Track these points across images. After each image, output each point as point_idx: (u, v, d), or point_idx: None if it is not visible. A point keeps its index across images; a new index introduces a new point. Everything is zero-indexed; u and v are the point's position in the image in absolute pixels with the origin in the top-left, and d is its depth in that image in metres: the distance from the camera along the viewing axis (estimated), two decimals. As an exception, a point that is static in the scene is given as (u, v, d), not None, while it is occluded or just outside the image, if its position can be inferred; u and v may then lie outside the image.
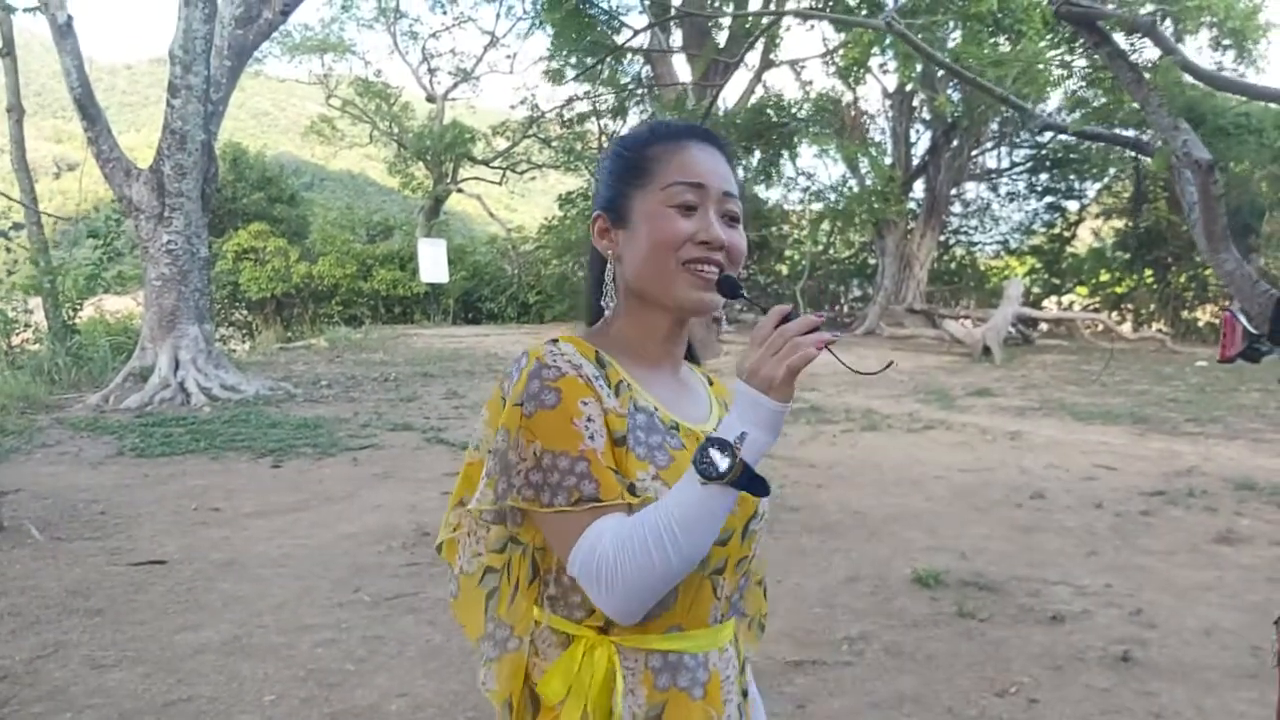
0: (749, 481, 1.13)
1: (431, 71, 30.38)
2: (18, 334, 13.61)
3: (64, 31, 11.33)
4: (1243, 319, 2.48)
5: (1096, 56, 13.12)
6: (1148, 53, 11.86)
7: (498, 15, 32.72)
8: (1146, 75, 7.48)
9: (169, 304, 11.47)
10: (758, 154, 22.65)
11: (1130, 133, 14.64)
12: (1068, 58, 17.97)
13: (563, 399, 1.22)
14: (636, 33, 21.29)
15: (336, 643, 4.21)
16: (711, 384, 1.52)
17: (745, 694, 1.43)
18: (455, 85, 30.64)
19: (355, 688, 3.75)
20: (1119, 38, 8.88)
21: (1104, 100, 18.71)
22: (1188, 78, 7.77)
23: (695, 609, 1.29)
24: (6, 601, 4.70)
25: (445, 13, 43.13)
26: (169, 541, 5.75)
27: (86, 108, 11.51)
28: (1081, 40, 12.71)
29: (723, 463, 1.11)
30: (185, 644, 4.18)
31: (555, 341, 1.29)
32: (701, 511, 1.13)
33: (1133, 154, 21.91)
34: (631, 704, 1.25)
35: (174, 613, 4.57)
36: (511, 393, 1.25)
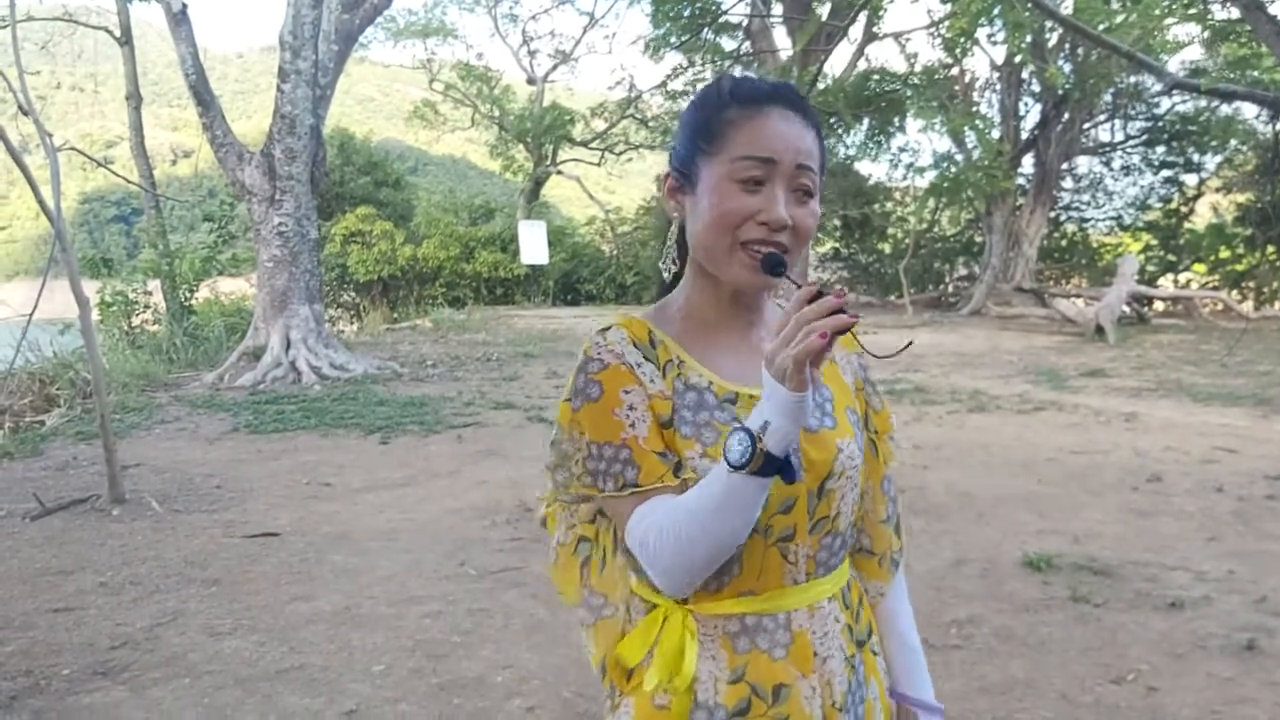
0: (776, 468, 1.12)
1: (531, 54, 30.67)
2: (138, 315, 14.13)
3: (179, 20, 11.67)
4: None
5: (1229, 12, 12.53)
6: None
7: (596, -5, 32.61)
8: None
9: (280, 285, 11.78)
10: (866, 122, 22.25)
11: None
12: (1189, 20, 17.18)
13: (604, 391, 1.27)
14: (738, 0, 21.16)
15: (443, 615, 4.27)
16: None
17: (860, 644, 1.42)
18: (555, 67, 30.87)
19: (462, 659, 3.81)
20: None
21: (1223, 68, 17.90)
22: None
23: (765, 575, 1.30)
24: (129, 571, 4.89)
25: (545, -7, 43.34)
26: (282, 515, 5.91)
27: (201, 94, 11.85)
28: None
29: (744, 453, 1.11)
30: (298, 613, 4.29)
31: (605, 330, 1.32)
32: (731, 498, 1.14)
33: (1262, 123, 21.01)
34: (713, 668, 1.29)
35: (287, 583, 4.70)
36: (566, 388, 1.31)
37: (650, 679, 1.28)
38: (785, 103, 1.30)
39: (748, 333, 1.38)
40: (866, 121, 22.38)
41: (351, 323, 22.27)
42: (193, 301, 14.65)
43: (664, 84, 25.86)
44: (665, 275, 1.39)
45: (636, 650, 1.31)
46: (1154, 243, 24.49)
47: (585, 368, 1.28)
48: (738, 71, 23.39)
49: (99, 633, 4.08)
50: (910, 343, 1.45)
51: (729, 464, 1.12)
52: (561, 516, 1.41)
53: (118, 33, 15.43)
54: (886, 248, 25.64)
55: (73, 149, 9.12)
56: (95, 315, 11.53)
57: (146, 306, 14.24)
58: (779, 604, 1.31)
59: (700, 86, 1.39)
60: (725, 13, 21.57)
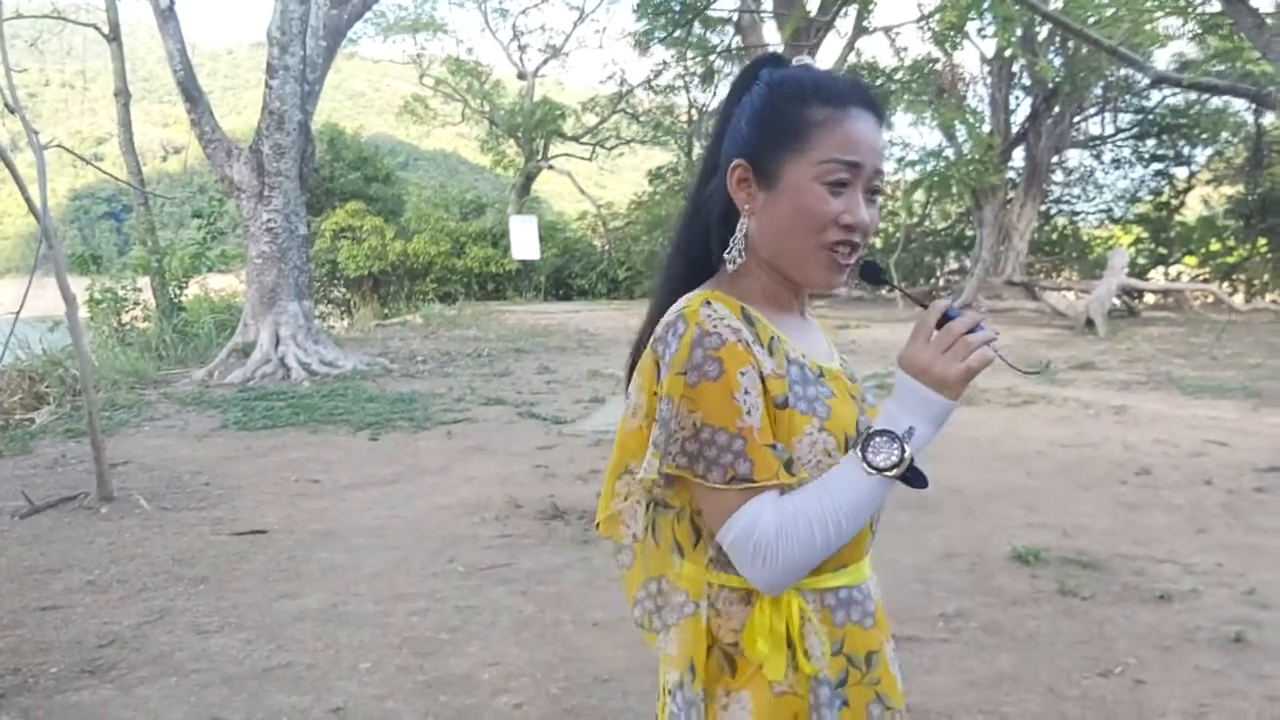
0: (911, 474, 1.19)
1: (522, 48, 30.48)
2: (127, 312, 14.08)
3: (166, 15, 11.64)
4: None
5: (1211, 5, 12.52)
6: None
7: (586, -10, 32.45)
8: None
9: (269, 281, 11.74)
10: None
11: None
12: (1175, 13, 17.18)
13: (724, 370, 1.22)
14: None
15: (430, 612, 4.27)
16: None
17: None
18: (545, 62, 30.72)
19: (449, 656, 3.80)
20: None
21: (1210, 59, 17.94)
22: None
23: (856, 546, 1.34)
24: (116, 569, 4.88)
25: (534, -12, 43.12)
26: (270, 512, 5.90)
27: (189, 89, 11.81)
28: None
29: (892, 456, 1.18)
30: (285, 611, 4.28)
31: (709, 303, 1.28)
32: (866, 499, 1.20)
33: (1250, 115, 21.05)
34: (817, 643, 1.30)
35: (274, 581, 4.69)
36: (673, 360, 1.24)
37: (775, 665, 1.27)
38: (864, 103, 1.31)
39: (804, 315, 1.42)
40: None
41: (341, 319, 22.19)
42: (182, 298, 14.59)
43: (648, 81, 25.85)
44: (730, 266, 1.34)
45: (764, 644, 1.27)
46: (1144, 235, 24.51)
47: (702, 341, 1.23)
48: (726, 63, 23.36)
49: (86, 631, 4.07)
50: (1049, 364, 1.53)
51: (874, 467, 1.18)
52: (635, 512, 1.39)
53: (106, 29, 15.35)
54: (877, 241, 25.62)
55: (59, 146, 9.08)
56: (84, 312, 11.49)
57: (136, 303, 14.18)
58: (862, 573, 1.36)
59: (779, 78, 1.33)
60: (709, 4, 21.54)
